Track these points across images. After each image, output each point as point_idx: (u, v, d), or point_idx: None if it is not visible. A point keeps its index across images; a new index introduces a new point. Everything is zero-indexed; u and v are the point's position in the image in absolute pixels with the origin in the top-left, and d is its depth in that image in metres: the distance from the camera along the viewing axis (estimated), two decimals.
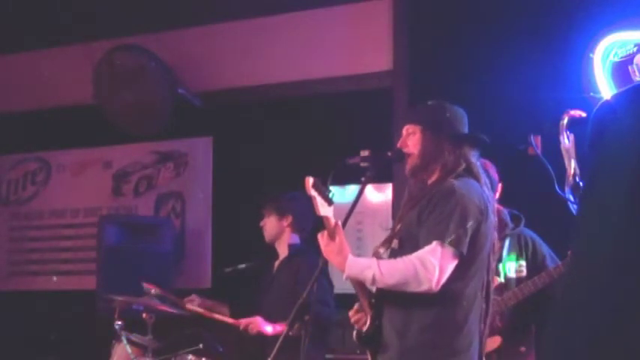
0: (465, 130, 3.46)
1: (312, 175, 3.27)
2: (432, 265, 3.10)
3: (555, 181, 3.55)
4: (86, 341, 6.08)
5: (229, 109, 6.64)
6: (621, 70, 4.22)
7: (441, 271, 3.11)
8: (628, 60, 4.20)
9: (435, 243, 3.14)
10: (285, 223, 4.96)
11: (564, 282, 1.73)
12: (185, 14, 6.64)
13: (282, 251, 4.99)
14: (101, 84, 6.61)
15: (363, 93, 6.14)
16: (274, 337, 4.43)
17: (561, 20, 5.10)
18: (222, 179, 6.70)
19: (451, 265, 3.14)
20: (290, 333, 3.38)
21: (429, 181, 3.39)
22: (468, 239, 3.17)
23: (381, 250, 3.36)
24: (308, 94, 6.35)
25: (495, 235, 3.40)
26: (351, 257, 3.22)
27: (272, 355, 3.38)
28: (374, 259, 3.24)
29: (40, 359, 6.60)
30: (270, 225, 5.00)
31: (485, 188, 3.36)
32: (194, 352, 4.64)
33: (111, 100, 6.60)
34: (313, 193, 3.23)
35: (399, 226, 3.37)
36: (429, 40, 5.74)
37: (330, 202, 3.25)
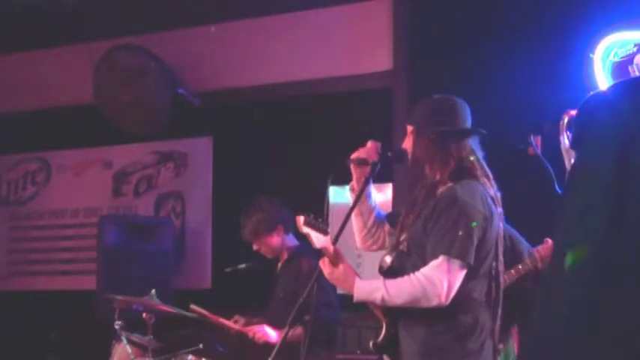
0: (464, 124, 3.34)
1: (303, 211, 3.31)
2: (440, 280, 3.09)
3: (555, 181, 3.55)
4: (86, 341, 6.08)
5: (229, 109, 6.64)
6: (621, 70, 4.23)
7: (450, 285, 3.10)
8: (628, 60, 4.21)
9: (441, 257, 3.12)
10: (277, 235, 4.93)
11: (545, 279, 1.73)
12: (185, 14, 6.64)
13: (284, 255, 4.99)
14: (101, 84, 6.62)
15: (363, 93, 6.14)
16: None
17: (561, 20, 5.10)
18: (222, 179, 6.70)
19: (459, 277, 3.13)
20: (290, 333, 3.38)
21: (431, 183, 3.33)
22: (474, 248, 3.15)
23: (388, 259, 3.35)
24: (308, 94, 6.35)
25: (501, 226, 3.36)
26: (357, 281, 3.20)
27: (272, 356, 3.38)
28: (381, 281, 3.22)
29: (40, 359, 6.60)
30: (266, 246, 4.95)
31: (487, 183, 3.31)
32: (194, 352, 4.64)
33: (111, 100, 6.60)
34: (306, 230, 3.24)
35: (404, 235, 3.35)
36: (429, 40, 5.74)
37: (325, 232, 3.23)
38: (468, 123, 3.37)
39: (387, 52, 6.06)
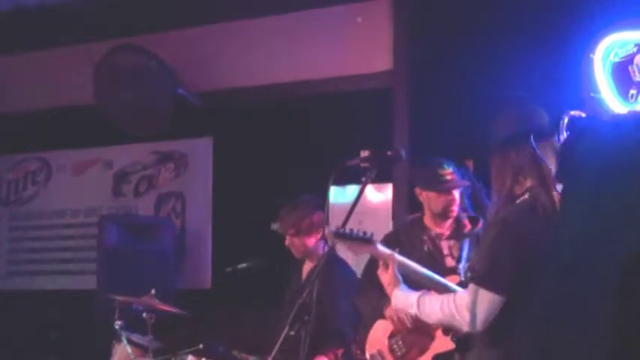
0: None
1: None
2: (468, 309, 2.99)
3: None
4: (86, 341, 6.08)
5: (229, 109, 6.64)
6: (621, 70, 4.23)
7: (477, 315, 2.98)
8: (628, 60, 4.21)
9: (471, 286, 3.02)
10: (315, 237, 4.76)
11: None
12: (185, 14, 6.64)
13: (313, 259, 4.83)
14: (101, 84, 6.62)
15: (363, 93, 6.14)
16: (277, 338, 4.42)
17: (561, 20, 5.09)
18: (222, 179, 6.70)
19: (490, 307, 2.98)
20: (292, 333, 3.38)
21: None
22: (509, 274, 2.95)
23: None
24: (308, 94, 6.35)
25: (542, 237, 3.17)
26: (396, 291, 3.30)
27: (272, 355, 3.38)
28: (416, 296, 3.22)
29: (40, 359, 6.60)
30: (300, 245, 4.79)
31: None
32: (194, 352, 4.64)
33: (111, 100, 6.60)
34: (342, 244, 3.41)
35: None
36: (429, 40, 5.74)
37: (369, 240, 3.43)
38: None
39: (387, 52, 6.06)
